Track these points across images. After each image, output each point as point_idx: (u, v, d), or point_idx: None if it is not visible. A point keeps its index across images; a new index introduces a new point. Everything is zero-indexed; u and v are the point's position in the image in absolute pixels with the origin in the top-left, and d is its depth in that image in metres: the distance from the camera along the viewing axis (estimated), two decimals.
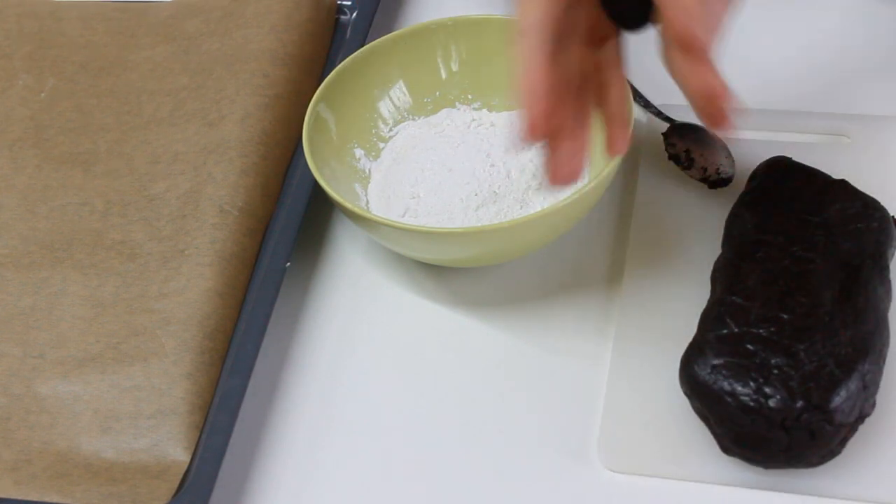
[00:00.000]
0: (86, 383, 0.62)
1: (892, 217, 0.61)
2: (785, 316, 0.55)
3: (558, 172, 0.54)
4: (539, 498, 0.57)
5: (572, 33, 0.54)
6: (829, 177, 0.63)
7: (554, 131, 0.53)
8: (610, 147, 0.58)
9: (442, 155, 0.68)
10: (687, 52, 0.50)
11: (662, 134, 0.69)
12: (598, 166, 0.64)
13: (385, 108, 0.72)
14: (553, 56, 0.52)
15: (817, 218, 0.59)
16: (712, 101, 0.51)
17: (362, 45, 0.73)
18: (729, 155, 0.68)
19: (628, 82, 0.58)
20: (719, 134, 0.53)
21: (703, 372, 0.54)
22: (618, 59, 0.57)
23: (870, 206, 0.60)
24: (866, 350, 0.54)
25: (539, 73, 0.52)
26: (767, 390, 0.53)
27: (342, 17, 0.82)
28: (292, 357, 0.65)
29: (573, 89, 0.54)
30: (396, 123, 0.72)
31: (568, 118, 0.53)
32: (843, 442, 0.54)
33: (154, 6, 0.82)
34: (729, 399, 0.53)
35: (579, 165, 0.54)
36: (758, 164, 0.65)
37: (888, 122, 0.70)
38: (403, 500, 0.58)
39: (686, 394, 0.56)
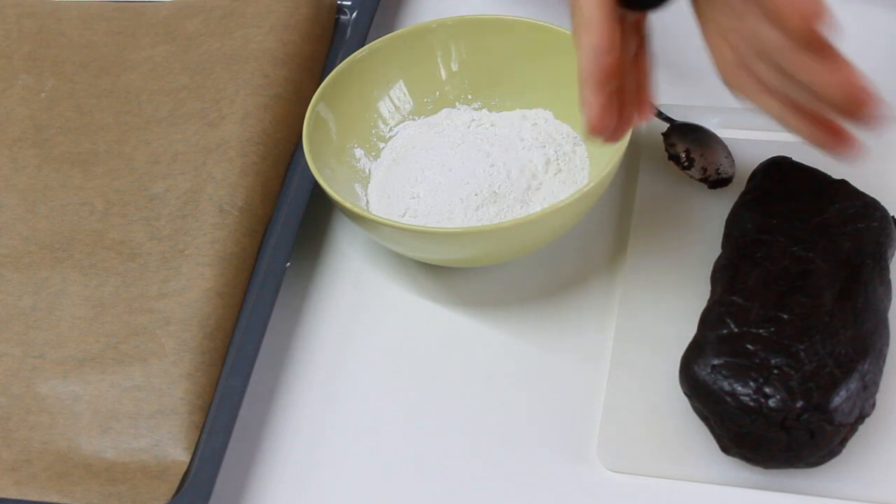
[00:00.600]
0: (86, 383, 0.62)
1: (892, 217, 0.61)
2: (785, 316, 0.55)
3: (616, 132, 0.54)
4: (539, 498, 0.57)
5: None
6: (829, 177, 0.63)
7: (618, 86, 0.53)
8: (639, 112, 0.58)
9: (442, 155, 0.68)
10: (814, 50, 0.48)
11: (662, 134, 0.69)
12: (599, 166, 0.65)
13: (385, 108, 0.72)
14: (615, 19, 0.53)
15: (817, 218, 0.59)
16: (857, 101, 0.49)
17: (362, 45, 0.73)
18: (729, 155, 0.68)
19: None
20: (869, 135, 0.51)
21: (703, 372, 0.54)
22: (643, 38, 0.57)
23: (870, 206, 0.60)
24: (866, 350, 0.54)
25: (608, 28, 0.52)
26: (767, 390, 0.53)
27: (342, 17, 0.82)
28: (292, 357, 0.65)
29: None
30: (396, 123, 0.72)
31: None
32: (843, 442, 0.54)
33: (154, 6, 0.82)
34: (729, 399, 0.53)
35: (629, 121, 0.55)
36: (758, 164, 0.65)
37: (888, 121, 0.69)
38: (403, 499, 0.58)
39: (686, 394, 0.56)
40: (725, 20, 0.53)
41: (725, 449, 0.55)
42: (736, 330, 0.55)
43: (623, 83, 0.54)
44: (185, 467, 0.58)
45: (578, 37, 0.53)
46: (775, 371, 0.53)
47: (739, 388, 0.53)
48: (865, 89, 0.49)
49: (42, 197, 0.72)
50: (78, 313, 0.65)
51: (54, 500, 0.57)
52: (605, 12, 0.52)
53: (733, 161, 0.68)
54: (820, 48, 0.49)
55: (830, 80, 0.49)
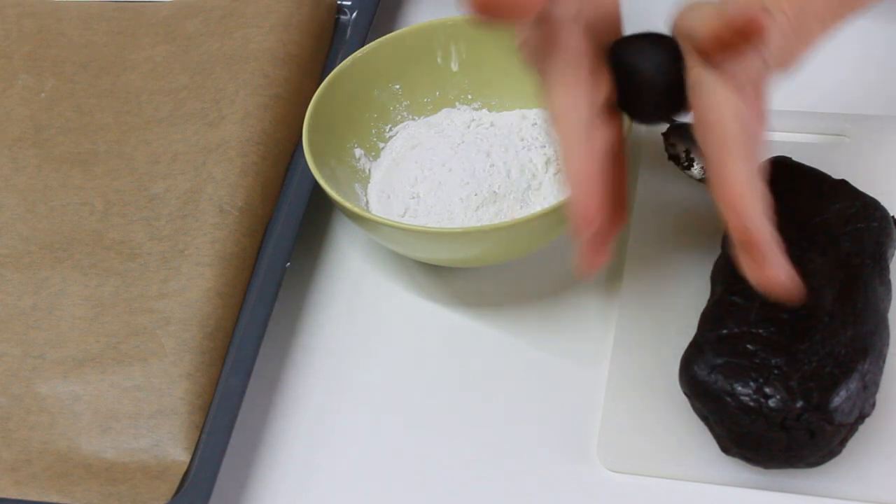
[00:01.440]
0: (86, 383, 0.62)
1: (893, 217, 0.61)
2: (785, 316, 0.55)
3: (593, 259, 0.50)
4: (539, 498, 0.57)
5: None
6: (829, 177, 0.63)
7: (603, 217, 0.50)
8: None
9: (442, 155, 0.68)
10: (747, 252, 0.49)
11: (662, 134, 0.69)
12: None
13: (385, 108, 0.72)
14: (591, 136, 0.50)
15: (817, 218, 0.59)
16: (775, 290, 0.50)
17: (362, 45, 0.73)
18: None
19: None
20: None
21: (703, 372, 0.54)
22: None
23: (870, 206, 0.60)
24: (866, 350, 0.54)
25: (587, 163, 0.49)
26: (767, 390, 0.53)
27: (342, 17, 0.82)
28: (292, 357, 0.65)
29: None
30: (396, 123, 0.72)
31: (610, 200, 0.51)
32: (843, 442, 0.54)
33: (154, 6, 0.82)
34: (729, 399, 0.53)
35: (608, 253, 0.51)
36: None
37: (888, 122, 0.70)
38: (403, 499, 0.58)
39: (686, 394, 0.56)
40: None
41: (725, 449, 0.55)
42: (736, 330, 0.55)
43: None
44: (185, 467, 0.58)
45: (562, 167, 0.50)
46: (775, 371, 0.53)
47: (739, 388, 0.53)
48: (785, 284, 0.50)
49: (42, 197, 0.72)
50: (78, 313, 0.65)
51: (54, 500, 0.57)
52: (586, 148, 0.49)
53: None
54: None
55: (756, 276, 0.50)
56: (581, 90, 0.50)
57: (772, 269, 0.49)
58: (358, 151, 0.70)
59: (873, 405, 0.55)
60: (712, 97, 0.50)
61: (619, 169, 0.52)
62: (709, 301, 0.59)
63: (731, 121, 0.49)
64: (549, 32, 0.50)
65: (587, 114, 0.50)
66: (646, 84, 0.52)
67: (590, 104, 0.50)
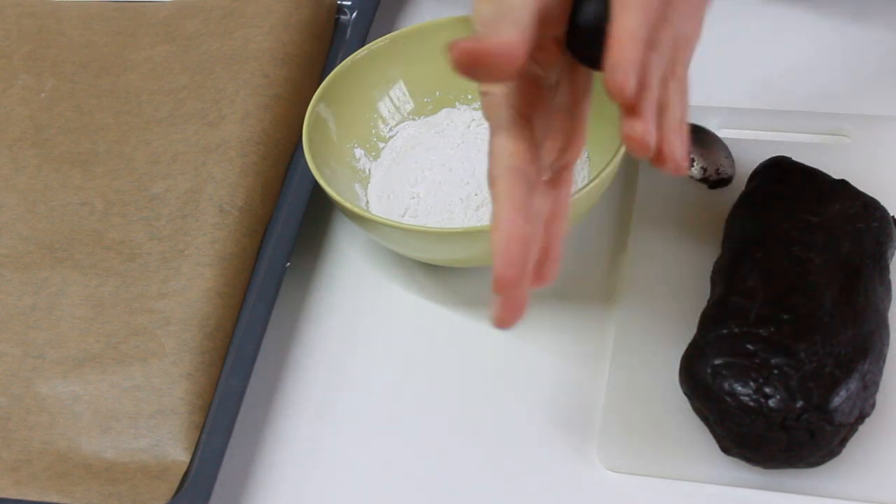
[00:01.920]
0: (86, 383, 0.62)
1: (892, 217, 0.61)
2: (785, 316, 0.55)
3: (509, 315, 0.48)
4: (539, 498, 0.57)
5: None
6: (829, 177, 0.63)
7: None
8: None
9: (442, 155, 0.68)
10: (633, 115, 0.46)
11: None
12: (598, 166, 0.64)
13: (385, 108, 0.72)
14: (529, 202, 0.48)
15: (817, 218, 0.59)
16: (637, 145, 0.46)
17: (362, 45, 0.73)
18: (729, 155, 0.68)
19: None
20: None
21: (703, 372, 0.54)
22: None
23: (870, 206, 0.60)
24: (866, 350, 0.54)
25: (518, 229, 0.47)
26: (767, 390, 0.53)
27: (342, 17, 0.82)
28: (292, 357, 0.65)
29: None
30: (396, 123, 0.72)
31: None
32: (843, 442, 0.54)
33: (154, 6, 0.82)
34: (729, 399, 0.53)
35: (526, 306, 0.48)
36: (758, 164, 0.65)
37: (888, 122, 0.70)
38: (403, 499, 0.58)
39: (686, 394, 0.56)
40: None
41: (725, 449, 0.55)
42: (736, 330, 0.55)
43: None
44: (185, 467, 0.58)
45: (491, 227, 0.48)
46: (775, 371, 0.53)
47: (739, 388, 0.53)
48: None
49: (42, 197, 0.72)
50: (78, 313, 0.65)
51: (54, 500, 0.57)
52: (516, 215, 0.47)
53: (733, 161, 0.68)
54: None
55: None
56: (524, 155, 0.48)
57: (639, 123, 0.45)
58: (358, 151, 0.70)
59: (873, 405, 0.55)
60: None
61: (556, 231, 0.50)
62: (709, 301, 0.59)
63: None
64: (521, 90, 0.49)
65: (533, 177, 0.48)
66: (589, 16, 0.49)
67: (537, 169, 0.49)
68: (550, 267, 0.50)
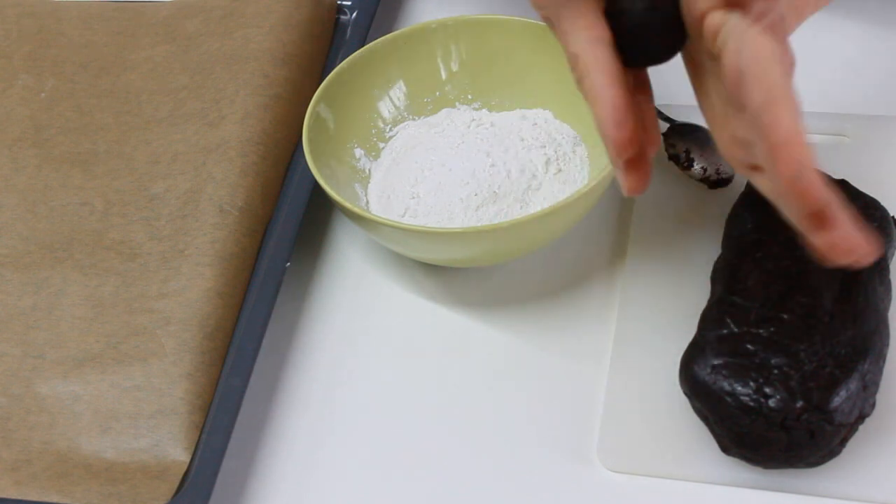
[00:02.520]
0: (86, 383, 0.62)
1: (893, 217, 0.61)
2: (785, 316, 0.55)
3: (637, 179, 0.52)
4: (539, 498, 0.57)
5: None
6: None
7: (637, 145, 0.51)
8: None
9: (442, 155, 0.68)
10: (811, 214, 0.46)
11: (662, 134, 0.69)
12: (598, 166, 0.64)
13: (385, 108, 0.72)
14: (617, 65, 0.51)
15: None
16: (846, 253, 0.47)
17: (362, 45, 0.73)
18: None
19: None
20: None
21: (703, 372, 0.54)
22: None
23: (870, 206, 0.60)
24: (866, 350, 0.54)
25: (616, 91, 0.49)
26: (767, 390, 0.53)
27: (342, 17, 0.82)
28: (292, 357, 0.65)
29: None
30: (396, 123, 0.72)
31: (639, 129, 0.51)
32: (843, 442, 0.54)
33: (154, 6, 0.82)
34: (729, 399, 0.53)
35: (650, 169, 0.52)
36: None
37: (888, 122, 0.70)
38: (403, 499, 0.58)
39: (686, 394, 0.56)
40: (722, 106, 0.51)
41: (725, 449, 0.55)
42: (736, 330, 0.55)
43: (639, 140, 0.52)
44: (185, 467, 0.58)
45: (590, 103, 0.51)
46: (775, 371, 0.53)
47: (739, 388, 0.53)
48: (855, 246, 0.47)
49: (42, 197, 0.72)
50: (78, 313, 0.65)
51: (54, 500, 0.57)
52: (611, 80, 0.50)
53: None
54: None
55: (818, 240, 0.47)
56: (599, 27, 0.51)
57: (841, 230, 0.45)
58: (358, 151, 0.70)
59: (873, 405, 0.55)
60: (750, 42, 0.46)
61: (646, 94, 0.54)
62: (709, 301, 0.59)
63: (775, 65, 0.46)
64: None
65: (609, 46, 0.50)
66: (637, 22, 0.51)
67: (609, 39, 0.51)
68: (654, 132, 0.53)
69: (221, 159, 0.70)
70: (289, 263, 0.65)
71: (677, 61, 0.53)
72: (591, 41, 0.50)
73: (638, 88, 0.53)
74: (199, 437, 0.60)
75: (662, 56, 0.52)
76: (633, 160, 0.51)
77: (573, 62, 0.51)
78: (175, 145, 0.73)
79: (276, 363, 0.64)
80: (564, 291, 0.65)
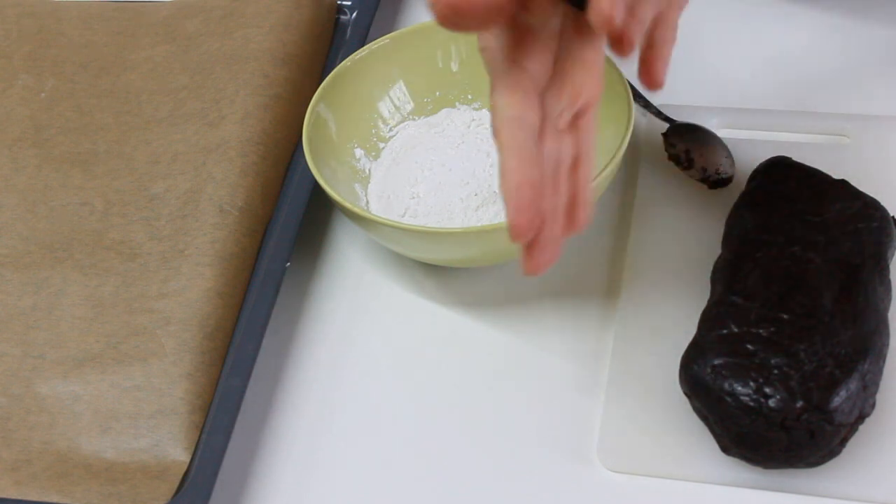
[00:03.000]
0: (86, 383, 0.62)
1: (892, 217, 0.61)
2: (785, 316, 0.55)
3: (535, 262, 0.48)
4: (539, 498, 0.57)
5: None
6: (829, 177, 0.63)
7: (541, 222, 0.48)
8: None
9: (442, 155, 0.68)
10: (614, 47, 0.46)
11: (662, 134, 0.69)
12: (599, 166, 0.64)
13: (385, 108, 0.72)
14: (535, 150, 0.48)
15: (817, 218, 0.59)
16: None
17: (362, 45, 0.73)
18: (729, 155, 0.68)
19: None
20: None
21: (703, 372, 0.54)
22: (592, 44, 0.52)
23: (870, 206, 0.60)
24: (866, 350, 0.54)
25: (527, 176, 0.47)
26: (767, 390, 0.53)
27: (342, 17, 0.82)
28: (292, 357, 0.65)
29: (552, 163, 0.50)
30: (396, 123, 0.72)
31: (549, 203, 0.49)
32: (843, 442, 0.54)
33: (154, 6, 0.82)
34: (729, 399, 0.53)
35: (557, 252, 0.49)
36: (758, 164, 0.65)
37: (888, 122, 0.70)
38: (403, 499, 0.58)
39: (686, 394, 0.56)
40: None
41: (725, 449, 0.55)
42: (736, 330, 0.55)
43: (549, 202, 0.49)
44: (185, 467, 0.58)
45: (500, 168, 0.48)
46: (775, 371, 0.53)
47: (739, 388, 0.53)
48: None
49: (42, 197, 0.72)
50: (78, 313, 0.65)
51: (54, 500, 0.57)
52: (520, 164, 0.47)
53: (733, 161, 0.68)
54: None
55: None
56: (523, 106, 0.49)
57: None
58: (358, 151, 0.70)
59: (873, 405, 0.55)
60: None
61: (583, 176, 0.50)
62: (709, 301, 0.59)
63: None
64: (515, 39, 0.49)
65: (536, 123, 0.49)
66: None
67: (539, 115, 0.49)
68: (581, 211, 0.50)
69: (221, 159, 0.70)
70: (289, 263, 0.65)
71: (676, 59, 0.53)
72: (510, 120, 0.48)
73: (579, 163, 0.50)
74: (199, 437, 0.60)
75: None
76: (533, 246, 0.48)
77: (494, 135, 0.49)
78: (175, 145, 0.73)
79: (276, 363, 0.64)
80: (564, 291, 0.65)
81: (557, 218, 0.49)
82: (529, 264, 0.48)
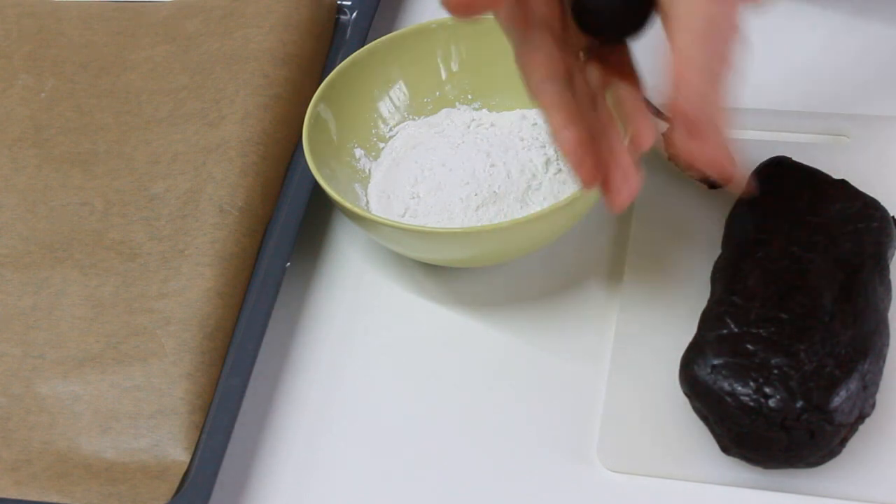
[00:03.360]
0: (86, 383, 0.62)
1: (892, 217, 0.61)
2: (785, 316, 0.55)
3: (617, 199, 0.52)
4: (539, 498, 0.57)
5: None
6: (829, 177, 0.63)
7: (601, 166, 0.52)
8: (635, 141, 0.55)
9: (442, 155, 0.68)
10: (693, 135, 0.49)
11: (662, 134, 0.69)
12: None
13: (385, 108, 0.72)
14: (572, 98, 0.51)
15: (817, 218, 0.59)
16: (719, 171, 0.50)
17: (362, 45, 0.73)
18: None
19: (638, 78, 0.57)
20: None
21: (703, 372, 0.54)
22: (622, 61, 0.55)
23: (870, 206, 0.60)
24: (866, 350, 0.54)
25: (574, 132, 0.51)
26: (767, 390, 0.53)
27: (342, 17, 0.82)
28: (292, 357, 0.65)
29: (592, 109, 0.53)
30: (396, 123, 0.72)
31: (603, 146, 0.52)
32: (843, 442, 0.54)
33: (154, 6, 0.82)
34: (729, 399, 0.53)
35: (635, 185, 0.52)
36: (758, 164, 0.65)
37: (888, 122, 0.70)
38: (403, 500, 0.58)
39: (686, 394, 0.56)
40: None
41: (725, 449, 0.55)
42: (736, 330, 0.55)
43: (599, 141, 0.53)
44: (185, 467, 0.58)
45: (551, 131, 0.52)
46: (775, 371, 0.53)
47: (739, 388, 0.53)
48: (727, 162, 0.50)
49: (42, 197, 0.72)
50: (78, 313, 0.65)
51: (54, 500, 0.57)
52: (566, 121, 0.51)
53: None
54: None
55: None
56: (552, 63, 0.51)
57: (709, 147, 0.49)
58: (358, 151, 0.70)
59: (873, 405, 0.55)
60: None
61: (631, 81, 0.54)
62: (709, 301, 0.59)
63: (700, 11, 0.49)
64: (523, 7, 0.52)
65: (563, 71, 0.51)
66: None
67: (564, 65, 0.52)
68: (642, 127, 0.54)
69: (221, 159, 0.70)
70: (289, 263, 0.65)
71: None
72: (545, 79, 0.51)
73: (622, 74, 0.54)
74: (199, 437, 0.60)
75: (627, 27, 0.52)
76: (607, 182, 0.52)
77: (531, 95, 0.52)
78: (175, 145, 0.73)
79: (276, 363, 0.64)
80: (564, 291, 0.65)
81: (618, 150, 0.52)
82: (612, 202, 0.52)
